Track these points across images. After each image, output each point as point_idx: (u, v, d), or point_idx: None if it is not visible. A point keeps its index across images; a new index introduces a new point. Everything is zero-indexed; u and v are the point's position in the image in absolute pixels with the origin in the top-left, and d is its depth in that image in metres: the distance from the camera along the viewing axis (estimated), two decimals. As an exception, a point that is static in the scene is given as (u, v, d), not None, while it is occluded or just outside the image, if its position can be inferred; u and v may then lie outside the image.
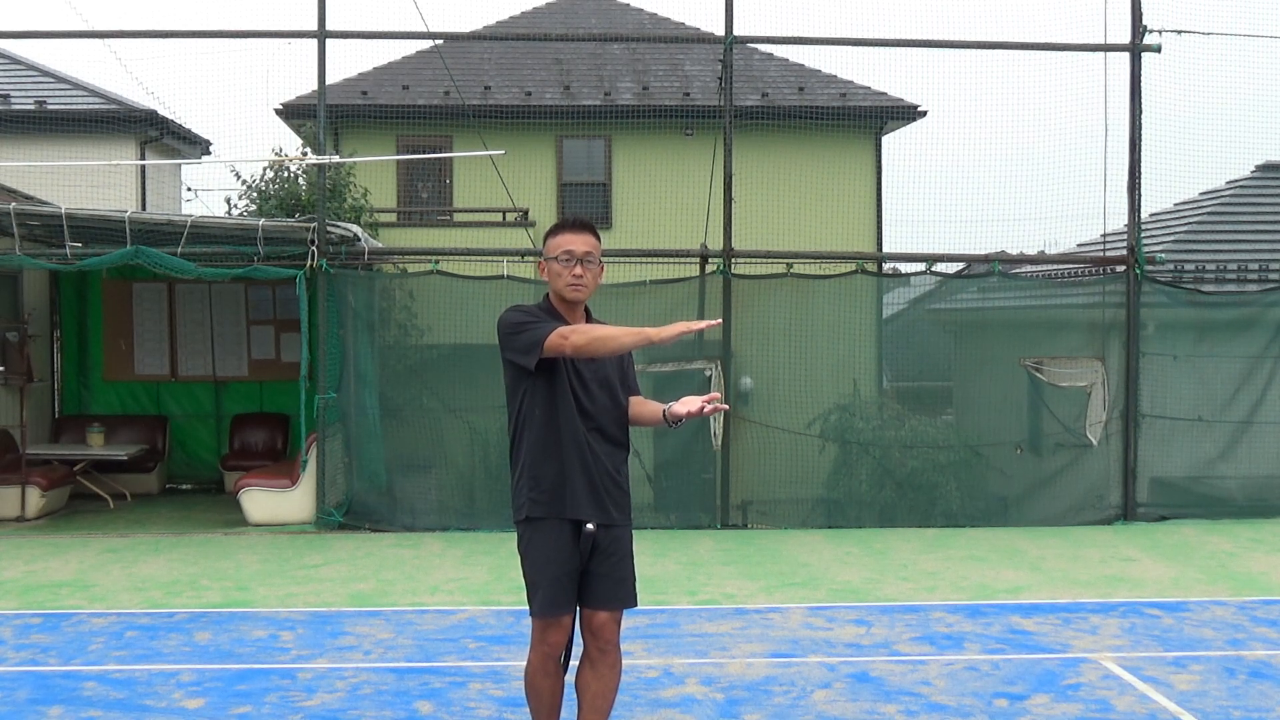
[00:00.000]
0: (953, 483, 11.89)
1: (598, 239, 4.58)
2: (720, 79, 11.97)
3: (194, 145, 18.29)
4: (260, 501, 11.47)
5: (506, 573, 9.11)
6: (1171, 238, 15.70)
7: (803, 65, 17.75)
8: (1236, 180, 16.91)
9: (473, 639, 7.10)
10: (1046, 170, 12.73)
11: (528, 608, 4.49)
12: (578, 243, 4.49)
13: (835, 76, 17.45)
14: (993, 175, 13.37)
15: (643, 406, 4.66)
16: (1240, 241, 15.63)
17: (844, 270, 11.90)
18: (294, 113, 16.48)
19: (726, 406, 4.62)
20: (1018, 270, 13.55)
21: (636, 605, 4.60)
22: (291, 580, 8.93)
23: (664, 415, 4.54)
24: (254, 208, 14.35)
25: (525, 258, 12.08)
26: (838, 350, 11.85)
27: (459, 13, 24.51)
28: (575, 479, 4.41)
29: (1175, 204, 17.00)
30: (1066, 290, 13.04)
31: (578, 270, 4.47)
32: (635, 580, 4.59)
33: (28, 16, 35.34)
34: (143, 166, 15.90)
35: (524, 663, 4.63)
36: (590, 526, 4.42)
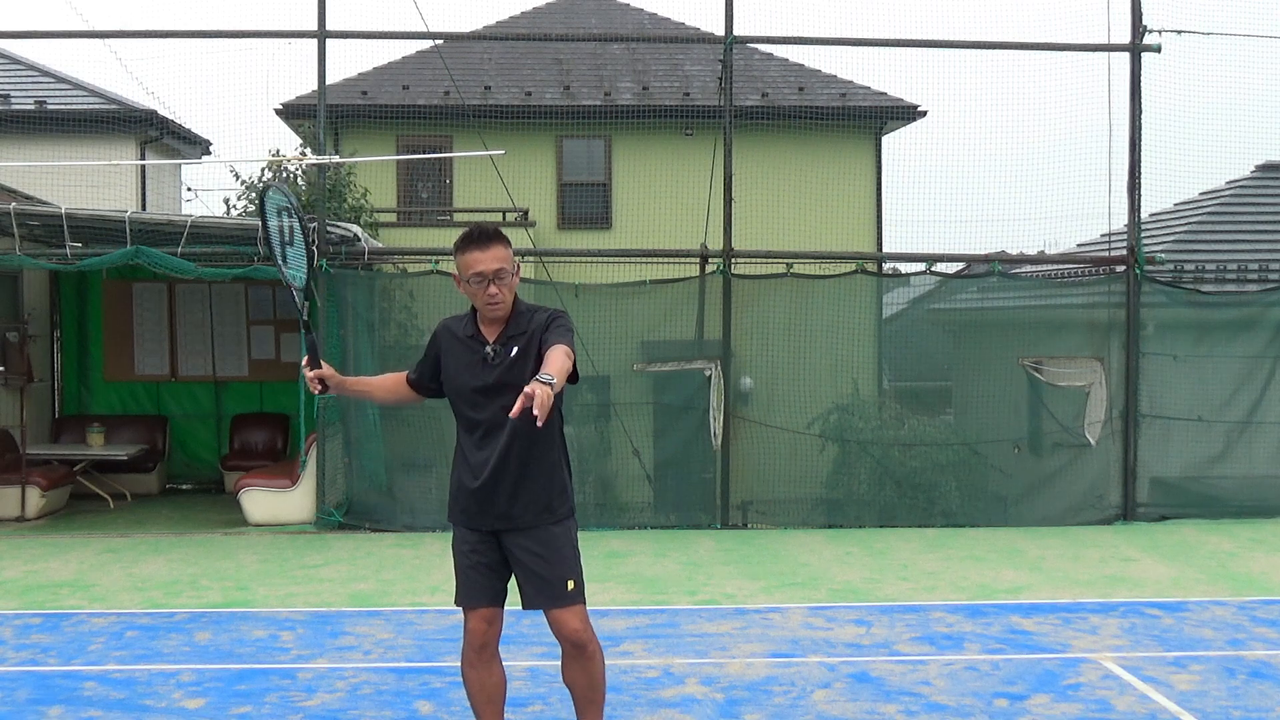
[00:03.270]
0: (952, 482, 11.89)
1: (507, 245, 4.43)
2: (720, 79, 11.97)
3: (194, 145, 18.29)
4: (260, 501, 11.47)
5: (506, 573, 9.10)
6: (1171, 238, 15.69)
7: (803, 65, 17.75)
8: (1236, 180, 16.91)
9: (473, 639, 7.09)
10: (1046, 170, 12.72)
11: None
12: (486, 260, 4.35)
13: (835, 76, 17.45)
14: (993, 175, 13.40)
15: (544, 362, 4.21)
16: (1240, 241, 15.62)
17: (844, 270, 11.90)
18: (294, 113, 16.49)
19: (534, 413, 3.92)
20: (1018, 270, 13.55)
21: (580, 602, 4.53)
22: (291, 580, 8.93)
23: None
24: (253, 208, 14.34)
25: (524, 258, 12.06)
26: (837, 350, 11.85)
27: (459, 13, 24.51)
28: (464, 490, 4.51)
29: (1175, 204, 16.99)
30: (1066, 290, 13.03)
31: (491, 290, 4.37)
32: (577, 577, 4.53)
33: (28, 16, 35.36)
34: (143, 166, 15.90)
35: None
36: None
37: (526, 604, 4.55)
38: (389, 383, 4.87)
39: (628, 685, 6.00)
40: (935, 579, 8.95)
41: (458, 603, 4.60)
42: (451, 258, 4.47)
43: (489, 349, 4.45)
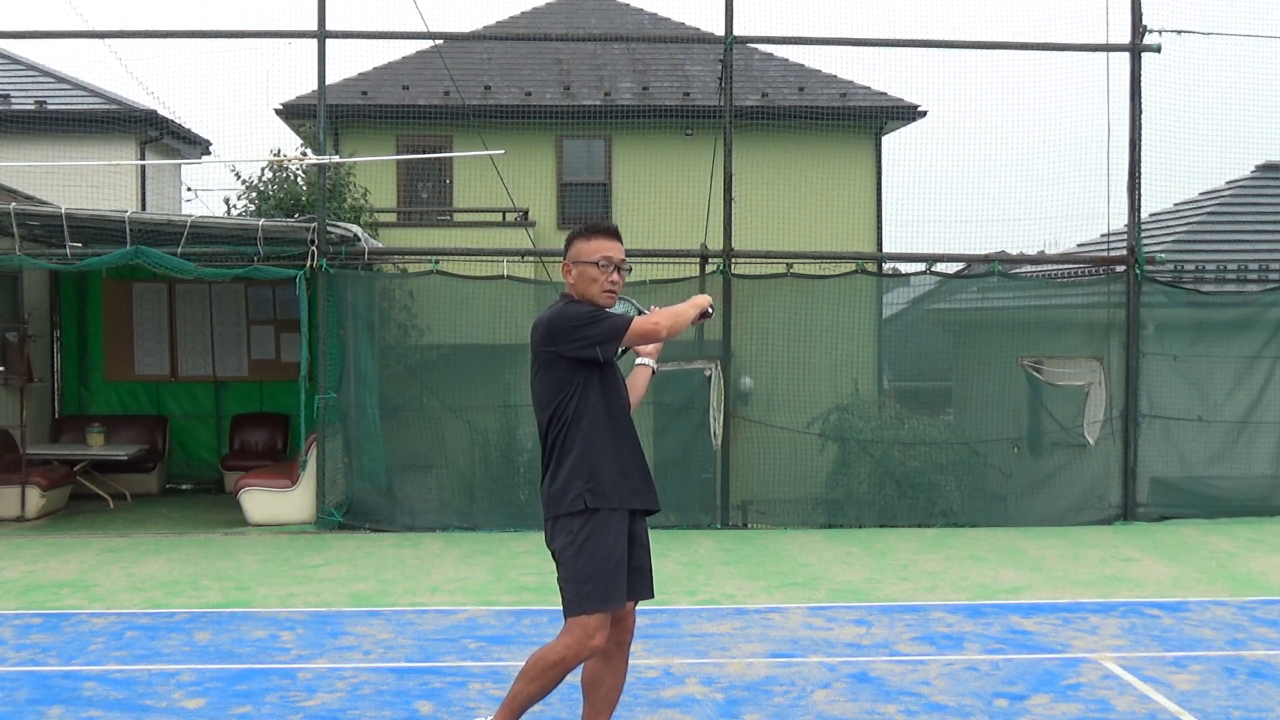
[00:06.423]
0: (952, 482, 11.89)
1: None
2: (720, 79, 11.97)
3: (194, 145, 18.30)
4: (260, 501, 11.47)
5: (507, 572, 9.11)
6: (1171, 238, 15.69)
7: (803, 65, 17.75)
8: (1236, 180, 16.90)
9: (473, 639, 7.10)
10: (1046, 170, 12.73)
11: (566, 606, 4.39)
12: (615, 249, 4.54)
13: (835, 76, 17.45)
14: (993, 175, 13.38)
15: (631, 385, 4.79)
16: (1240, 241, 15.62)
17: (844, 270, 11.90)
18: (294, 113, 16.49)
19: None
20: (1018, 270, 13.55)
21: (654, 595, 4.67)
22: (291, 580, 8.93)
23: (653, 372, 4.80)
24: (253, 208, 14.35)
25: (525, 258, 12.08)
26: (838, 350, 11.85)
27: (459, 13, 24.50)
28: (632, 468, 4.48)
29: (1175, 204, 16.99)
30: (1066, 290, 13.03)
31: (615, 276, 4.52)
32: None
33: (28, 16, 35.35)
34: (143, 166, 15.91)
35: (520, 664, 4.62)
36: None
37: (630, 594, 4.49)
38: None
39: (628, 685, 5.98)
40: (935, 579, 8.96)
41: (609, 605, 4.33)
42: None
43: None
